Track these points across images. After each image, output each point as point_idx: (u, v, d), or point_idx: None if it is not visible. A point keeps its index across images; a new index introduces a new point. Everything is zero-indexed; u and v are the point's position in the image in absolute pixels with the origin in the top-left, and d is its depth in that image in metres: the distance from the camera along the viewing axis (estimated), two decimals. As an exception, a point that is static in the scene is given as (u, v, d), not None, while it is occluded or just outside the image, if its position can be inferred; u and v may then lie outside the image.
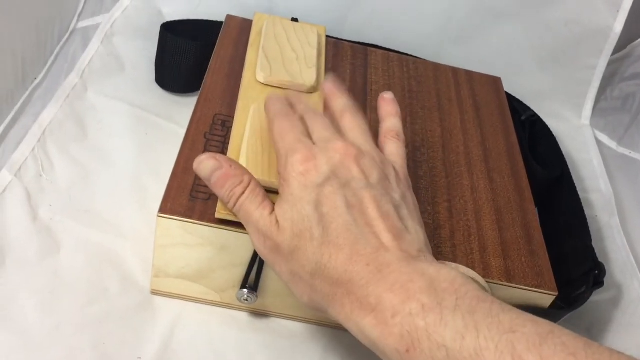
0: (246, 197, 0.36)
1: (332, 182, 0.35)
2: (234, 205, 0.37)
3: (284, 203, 0.35)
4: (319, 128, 0.38)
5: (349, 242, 0.33)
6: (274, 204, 0.36)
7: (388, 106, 0.43)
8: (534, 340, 0.28)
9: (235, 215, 0.38)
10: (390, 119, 0.42)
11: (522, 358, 0.27)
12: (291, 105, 0.42)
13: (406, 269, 0.32)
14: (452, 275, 0.32)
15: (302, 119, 0.39)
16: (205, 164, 0.37)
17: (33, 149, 0.52)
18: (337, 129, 0.39)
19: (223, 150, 0.46)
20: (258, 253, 0.37)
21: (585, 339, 0.28)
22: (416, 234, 0.36)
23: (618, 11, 0.68)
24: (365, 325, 0.32)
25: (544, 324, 0.29)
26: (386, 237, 0.34)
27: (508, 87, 0.65)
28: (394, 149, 0.40)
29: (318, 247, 0.33)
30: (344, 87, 0.43)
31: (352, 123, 0.40)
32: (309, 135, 0.38)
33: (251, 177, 0.37)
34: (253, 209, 0.36)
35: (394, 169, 0.38)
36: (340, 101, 0.42)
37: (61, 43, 0.63)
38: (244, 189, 0.36)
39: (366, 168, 0.36)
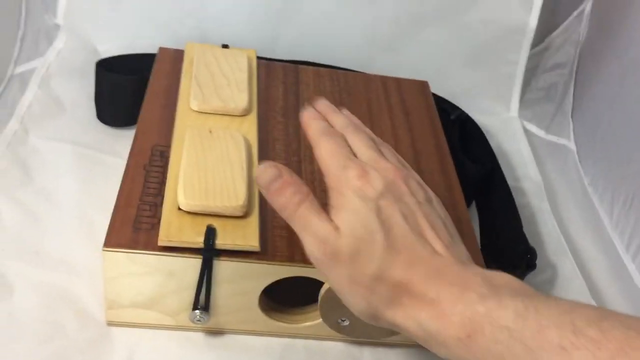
0: (305, 206, 0.37)
1: (387, 196, 0.37)
2: (293, 212, 0.37)
3: (342, 211, 0.37)
4: (362, 146, 0.41)
5: (406, 247, 0.35)
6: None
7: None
8: (592, 317, 0.29)
9: (289, 222, 0.38)
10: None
11: (583, 332, 0.28)
12: (328, 120, 0.43)
13: (461, 269, 0.35)
14: (507, 277, 0.34)
15: (342, 136, 0.42)
16: (266, 172, 0.38)
17: (-21, 198, 0.53)
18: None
19: (163, 181, 0.47)
20: (313, 261, 0.37)
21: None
22: (463, 247, 0.39)
23: (531, 8, 0.73)
24: (424, 319, 0.33)
25: (601, 308, 0.31)
26: (438, 245, 0.36)
27: (438, 89, 0.68)
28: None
29: (381, 249, 0.35)
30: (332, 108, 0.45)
31: (387, 149, 0.43)
32: (353, 153, 0.40)
33: (309, 188, 0.38)
34: (312, 215, 0.37)
35: (432, 192, 0.42)
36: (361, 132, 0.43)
37: (-1, 91, 0.64)
38: (303, 197, 0.37)
39: (413, 189, 0.39)
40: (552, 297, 0.32)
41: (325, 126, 0.42)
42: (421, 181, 0.42)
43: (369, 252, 0.35)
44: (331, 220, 0.37)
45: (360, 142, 0.41)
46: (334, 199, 0.38)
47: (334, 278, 0.37)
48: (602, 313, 0.30)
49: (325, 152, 0.40)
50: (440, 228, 0.38)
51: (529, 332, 0.30)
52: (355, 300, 0.36)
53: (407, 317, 0.34)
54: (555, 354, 0.29)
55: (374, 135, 0.44)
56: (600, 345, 0.28)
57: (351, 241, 0.35)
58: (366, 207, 0.36)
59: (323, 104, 0.45)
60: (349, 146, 0.41)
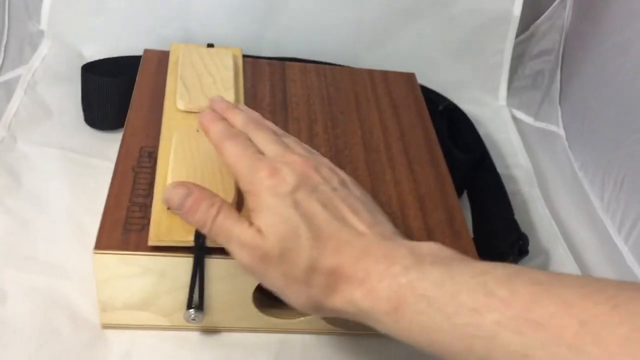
0: (223, 216, 0.38)
1: (301, 189, 0.37)
2: (211, 226, 0.38)
3: (260, 213, 0.37)
4: (267, 143, 0.41)
5: (331, 234, 0.36)
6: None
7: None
8: (503, 277, 0.30)
9: (212, 238, 0.39)
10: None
11: (494, 292, 0.29)
12: (227, 119, 0.43)
13: (387, 244, 0.35)
14: (431, 245, 0.35)
15: (245, 135, 0.41)
16: (175, 192, 0.39)
17: (-32, 206, 0.53)
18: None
19: (152, 181, 0.47)
20: (246, 269, 0.38)
21: (550, 271, 0.31)
22: (386, 222, 0.39)
23: (515, -4, 0.73)
24: (358, 299, 0.34)
25: (513, 267, 0.32)
26: (361, 226, 0.37)
27: (426, 81, 0.68)
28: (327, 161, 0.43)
29: (307, 242, 0.35)
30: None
31: (292, 139, 0.43)
32: (260, 151, 0.40)
33: (222, 198, 0.39)
34: (232, 225, 0.37)
35: (345, 174, 0.42)
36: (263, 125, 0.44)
37: (-15, 100, 0.64)
38: (218, 209, 0.38)
39: (326, 176, 0.39)
40: (469, 261, 0.33)
41: (226, 128, 0.42)
42: (332, 165, 0.42)
43: (296, 247, 0.35)
44: (252, 224, 0.37)
45: (264, 138, 0.41)
46: (251, 202, 0.38)
47: (270, 280, 0.37)
48: (513, 272, 0.31)
49: (232, 156, 0.40)
50: (359, 209, 0.38)
51: (445, 299, 0.31)
52: (295, 297, 0.37)
53: (345, 301, 0.35)
54: (469, 317, 0.30)
55: (276, 127, 0.44)
56: (509, 304, 0.29)
57: (277, 241, 0.36)
58: (283, 203, 0.36)
59: (219, 103, 0.45)
60: (254, 144, 0.40)
